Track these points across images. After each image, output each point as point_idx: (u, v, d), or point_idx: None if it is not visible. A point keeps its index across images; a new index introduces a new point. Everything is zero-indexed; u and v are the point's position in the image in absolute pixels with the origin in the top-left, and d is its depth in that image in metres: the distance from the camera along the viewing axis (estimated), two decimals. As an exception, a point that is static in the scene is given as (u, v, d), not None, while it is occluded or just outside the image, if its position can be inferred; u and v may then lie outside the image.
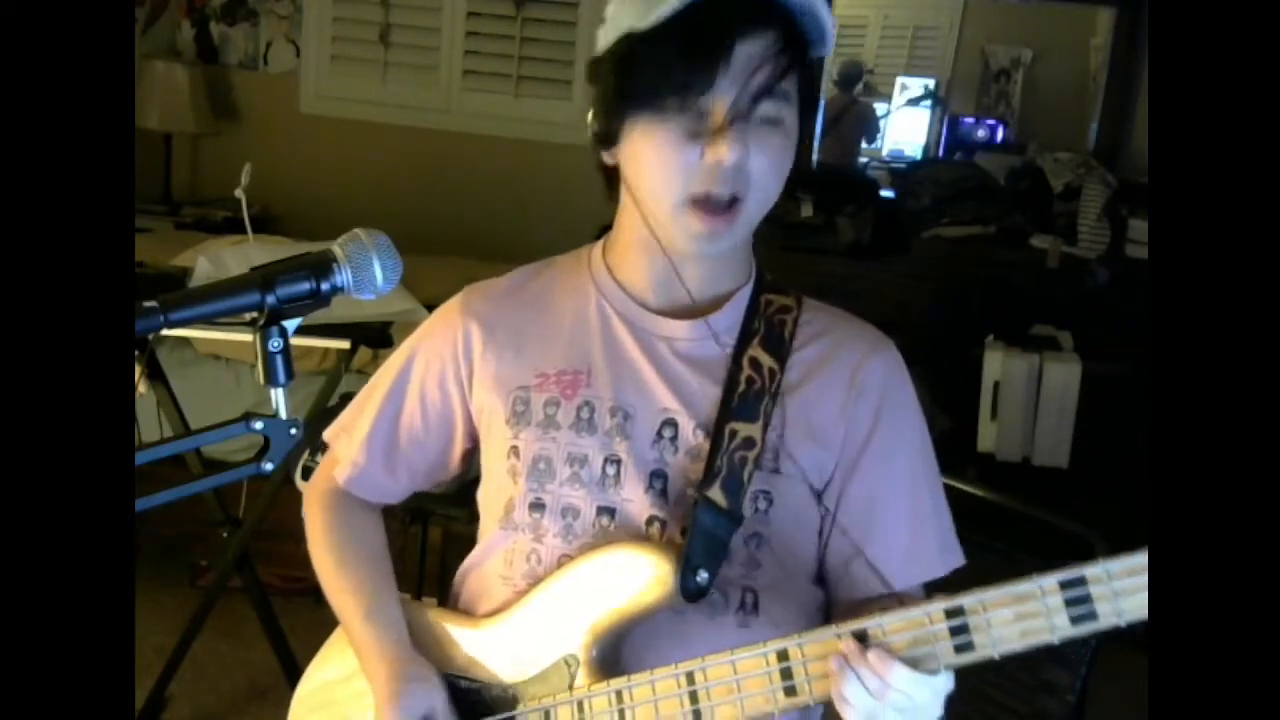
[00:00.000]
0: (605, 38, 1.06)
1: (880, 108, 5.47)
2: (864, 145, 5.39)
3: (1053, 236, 3.70)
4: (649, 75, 1.00)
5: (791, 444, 1.07)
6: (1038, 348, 3.16)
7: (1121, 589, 0.82)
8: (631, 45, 1.02)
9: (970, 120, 5.33)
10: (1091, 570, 0.83)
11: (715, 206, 1.02)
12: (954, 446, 3.08)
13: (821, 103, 4.16)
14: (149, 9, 4.17)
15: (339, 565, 1.18)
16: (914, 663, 0.88)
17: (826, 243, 3.88)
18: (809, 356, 1.11)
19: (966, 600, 0.87)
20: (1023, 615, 0.85)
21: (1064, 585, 0.84)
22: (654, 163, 1.02)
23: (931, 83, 5.45)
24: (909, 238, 3.94)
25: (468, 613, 1.15)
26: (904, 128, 5.51)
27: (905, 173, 4.72)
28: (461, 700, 1.08)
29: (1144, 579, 0.81)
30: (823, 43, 1.05)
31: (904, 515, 1.09)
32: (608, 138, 1.06)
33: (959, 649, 0.87)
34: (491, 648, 1.09)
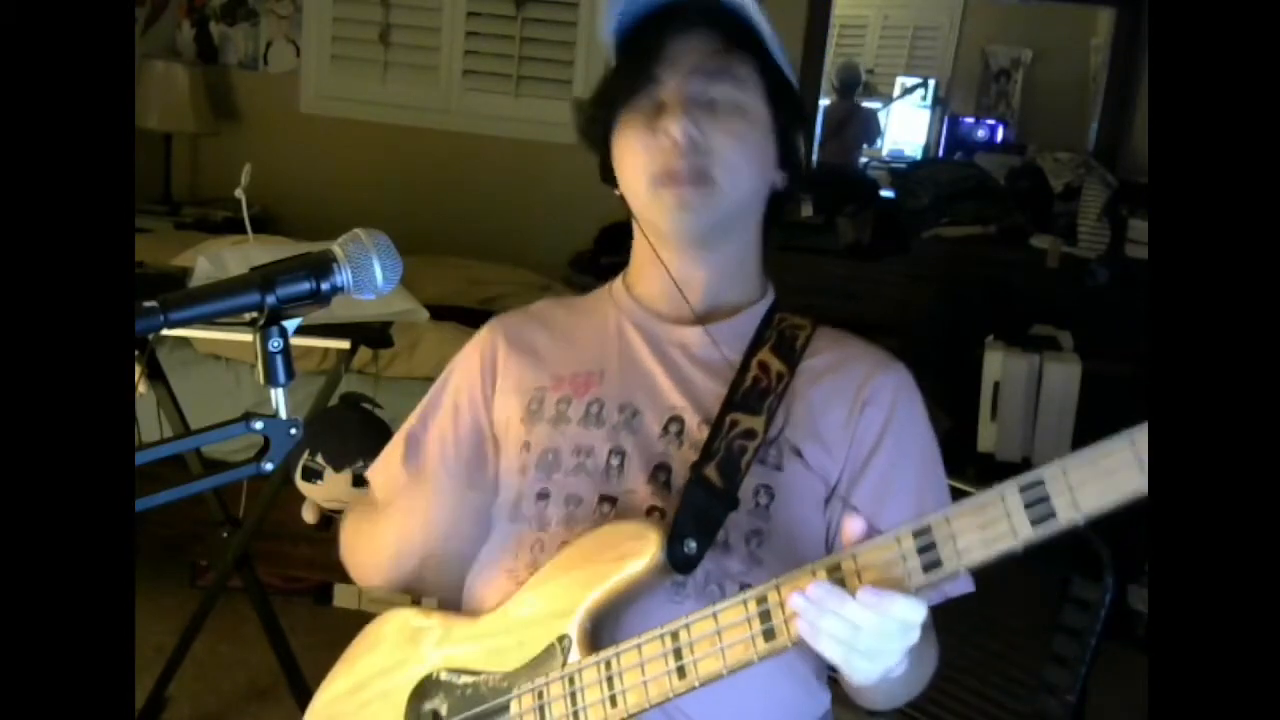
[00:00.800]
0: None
1: (877, 104, 5.47)
2: (864, 147, 5.40)
3: (1053, 236, 3.70)
4: (611, 84, 1.14)
5: (796, 443, 1.08)
6: (1038, 348, 3.16)
7: (1077, 482, 0.83)
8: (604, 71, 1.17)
9: (970, 120, 5.33)
10: (1048, 470, 0.85)
11: (680, 179, 1.08)
12: (954, 446, 3.08)
13: (822, 106, 4.16)
14: (149, 9, 4.17)
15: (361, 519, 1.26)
16: (888, 585, 0.89)
17: (826, 243, 3.89)
18: (818, 365, 1.13)
19: (932, 518, 0.89)
20: (986, 523, 0.87)
21: (1023, 489, 0.85)
22: (626, 158, 1.12)
23: (930, 82, 5.45)
24: (909, 238, 3.94)
25: (470, 603, 1.16)
26: (904, 128, 5.51)
27: (905, 173, 4.72)
28: (460, 694, 1.08)
29: (1097, 470, 0.83)
30: (767, 42, 1.14)
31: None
32: (605, 168, 1.16)
33: (927, 567, 0.88)
34: (489, 639, 1.09)
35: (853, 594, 0.88)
